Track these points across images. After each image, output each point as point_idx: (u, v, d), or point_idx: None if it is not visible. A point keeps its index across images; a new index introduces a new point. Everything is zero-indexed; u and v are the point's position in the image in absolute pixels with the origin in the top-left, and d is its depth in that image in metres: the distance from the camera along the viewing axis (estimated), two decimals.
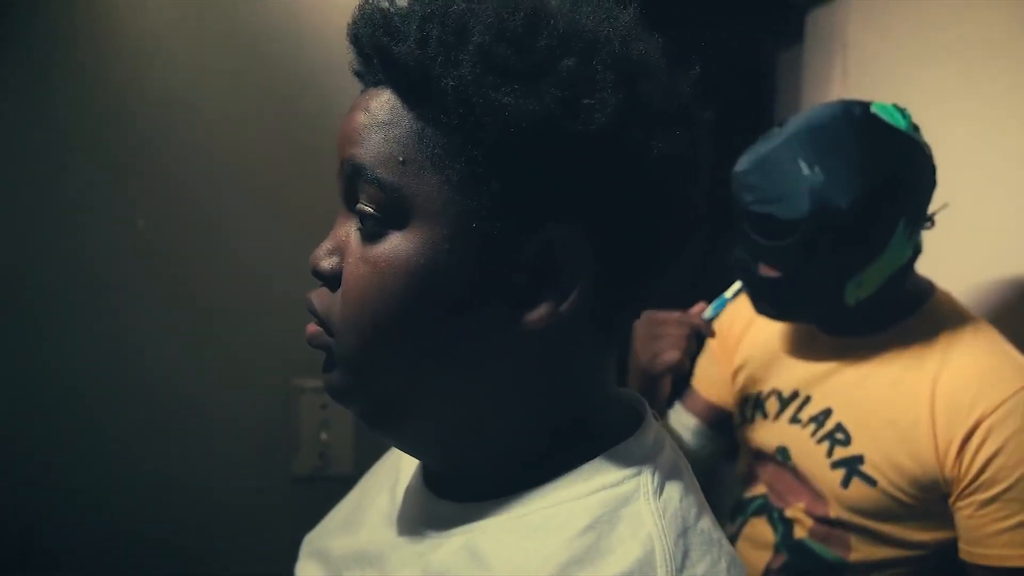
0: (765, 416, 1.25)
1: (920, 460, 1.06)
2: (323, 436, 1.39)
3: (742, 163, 1.11)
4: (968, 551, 1.06)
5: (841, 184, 1.01)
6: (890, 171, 1.04)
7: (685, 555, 0.49)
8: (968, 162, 1.54)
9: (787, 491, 1.21)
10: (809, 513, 1.17)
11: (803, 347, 1.25)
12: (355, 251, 0.51)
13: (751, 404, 1.29)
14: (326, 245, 0.54)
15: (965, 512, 1.05)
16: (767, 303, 1.16)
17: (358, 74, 0.54)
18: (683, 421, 1.42)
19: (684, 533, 0.51)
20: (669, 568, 0.48)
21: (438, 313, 0.50)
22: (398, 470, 0.70)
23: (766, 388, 1.27)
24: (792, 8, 2.06)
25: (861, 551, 1.13)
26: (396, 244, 0.49)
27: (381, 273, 0.49)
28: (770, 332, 1.32)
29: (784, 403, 1.23)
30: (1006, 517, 1.02)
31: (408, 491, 0.64)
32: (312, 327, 0.55)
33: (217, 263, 1.37)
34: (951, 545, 1.09)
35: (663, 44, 0.52)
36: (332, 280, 0.53)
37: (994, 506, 1.02)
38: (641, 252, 0.52)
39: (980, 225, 1.51)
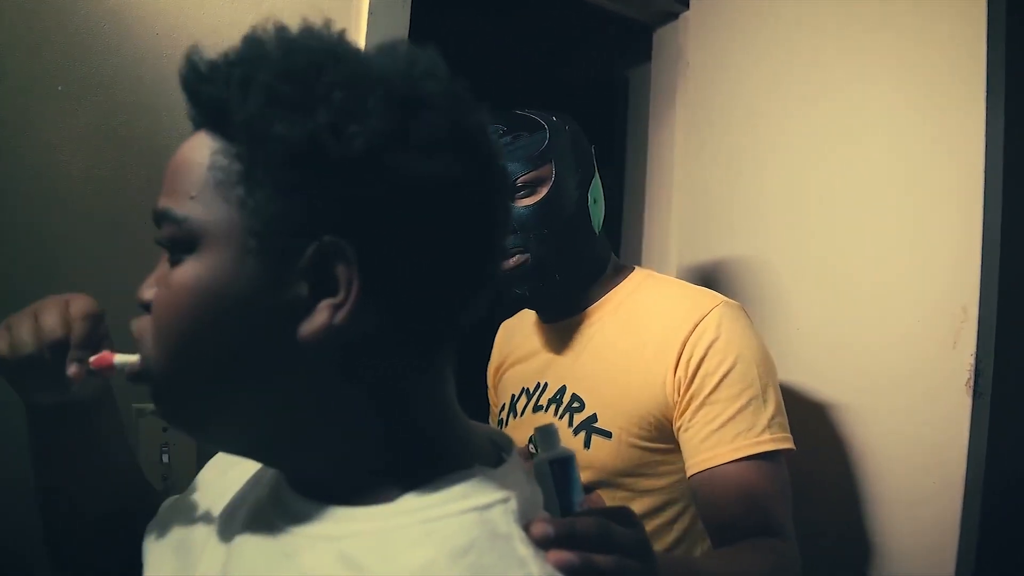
0: (517, 415, 1.33)
1: (643, 400, 1.16)
2: (164, 459, 1.34)
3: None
4: (689, 467, 1.13)
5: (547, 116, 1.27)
6: (570, 122, 1.29)
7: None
8: (799, 172, 1.64)
9: None
10: None
11: (535, 344, 1.36)
12: (163, 279, 0.57)
13: (506, 410, 1.37)
14: (150, 279, 0.59)
15: (683, 429, 1.14)
16: (523, 281, 1.23)
17: (191, 119, 0.59)
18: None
19: (545, 559, 0.56)
20: None
21: (228, 327, 0.54)
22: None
23: (517, 390, 1.36)
24: (642, 27, 2.13)
25: None
26: (188, 266, 0.55)
27: (175, 293, 0.55)
28: (512, 344, 1.42)
29: (529, 396, 1.32)
30: (713, 419, 1.12)
31: (268, 481, 0.65)
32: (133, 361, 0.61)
33: (54, 285, 1.28)
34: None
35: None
36: (150, 308, 0.58)
37: (702, 412, 1.12)
38: (427, 271, 0.55)
39: (807, 237, 1.60)
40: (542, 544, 0.56)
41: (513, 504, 0.57)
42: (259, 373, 0.55)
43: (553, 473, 0.67)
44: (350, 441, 0.57)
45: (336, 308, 0.53)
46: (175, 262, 0.56)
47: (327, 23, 0.57)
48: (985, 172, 1.30)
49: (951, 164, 1.35)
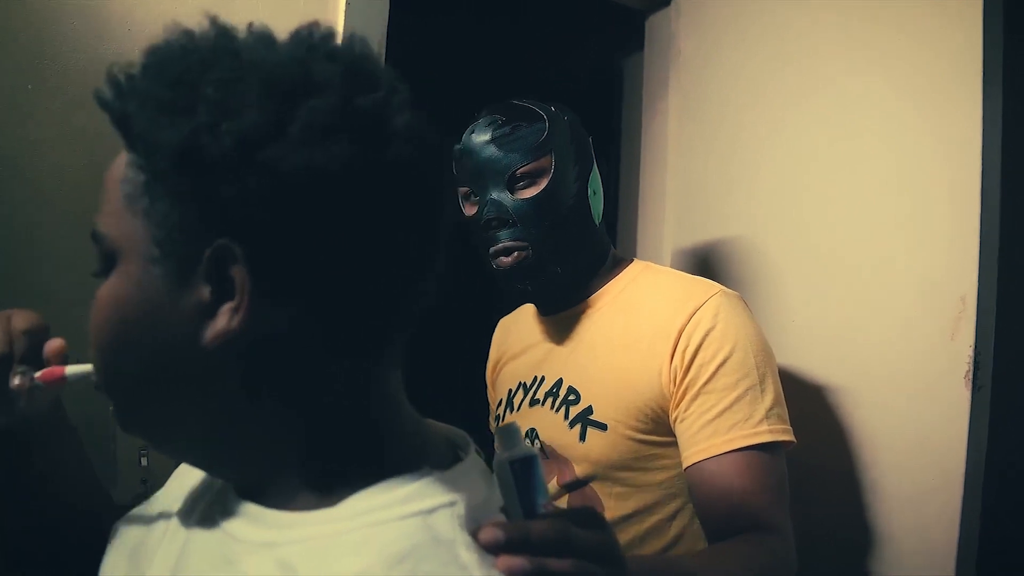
0: (513, 409, 1.32)
1: (639, 391, 1.14)
2: (143, 462, 1.32)
3: (476, 131, 1.21)
4: (684, 459, 1.11)
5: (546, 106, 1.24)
6: (568, 112, 1.27)
7: None
8: (794, 161, 1.61)
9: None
10: (562, 486, 1.22)
11: (532, 338, 1.34)
12: None
13: (503, 405, 1.35)
14: None
15: (679, 420, 1.12)
16: (525, 276, 1.21)
17: None
18: None
19: (492, 565, 0.53)
20: None
21: (140, 338, 0.55)
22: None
23: (514, 385, 1.34)
24: (633, 15, 2.10)
25: (612, 508, 1.17)
26: (108, 281, 0.57)
27: (97, 308, 0.57)
28: (509, 340, 1.41)
29: (526, 390, 1.31)
30: (708, 409, 1.10)
31: (220, 485, 0.65)
32: None
33: (23, 283, 1.26)
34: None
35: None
36: None
37: (698, 402, 1.10)
38: (336, 265, 0.53)
39: (803, 226, 1.57)
40: (491, 550, 0.53)
41: (460, 508, 0.55)
42: (176, 382, 0.55)
43: (514, 474, 0.63)
44: (277, 445, 0.57)
45: (234, 312, 0.52)
46: (107, 278, 0.57)
47: (212, 18, 0.56)
48: (983, 161, 1.27)
49: (949, 153, 1.32)
